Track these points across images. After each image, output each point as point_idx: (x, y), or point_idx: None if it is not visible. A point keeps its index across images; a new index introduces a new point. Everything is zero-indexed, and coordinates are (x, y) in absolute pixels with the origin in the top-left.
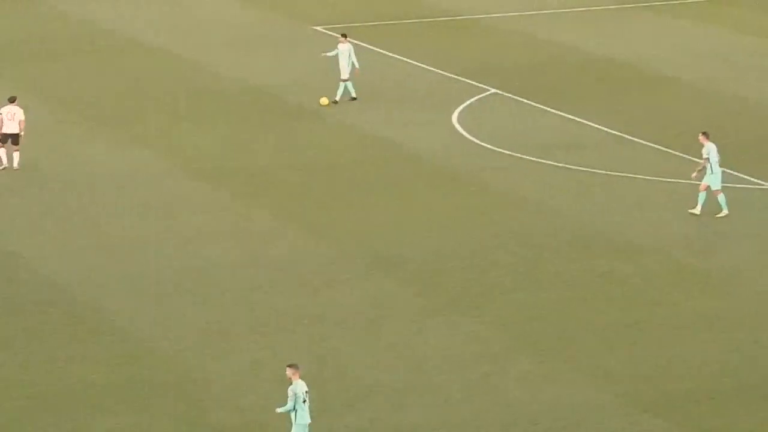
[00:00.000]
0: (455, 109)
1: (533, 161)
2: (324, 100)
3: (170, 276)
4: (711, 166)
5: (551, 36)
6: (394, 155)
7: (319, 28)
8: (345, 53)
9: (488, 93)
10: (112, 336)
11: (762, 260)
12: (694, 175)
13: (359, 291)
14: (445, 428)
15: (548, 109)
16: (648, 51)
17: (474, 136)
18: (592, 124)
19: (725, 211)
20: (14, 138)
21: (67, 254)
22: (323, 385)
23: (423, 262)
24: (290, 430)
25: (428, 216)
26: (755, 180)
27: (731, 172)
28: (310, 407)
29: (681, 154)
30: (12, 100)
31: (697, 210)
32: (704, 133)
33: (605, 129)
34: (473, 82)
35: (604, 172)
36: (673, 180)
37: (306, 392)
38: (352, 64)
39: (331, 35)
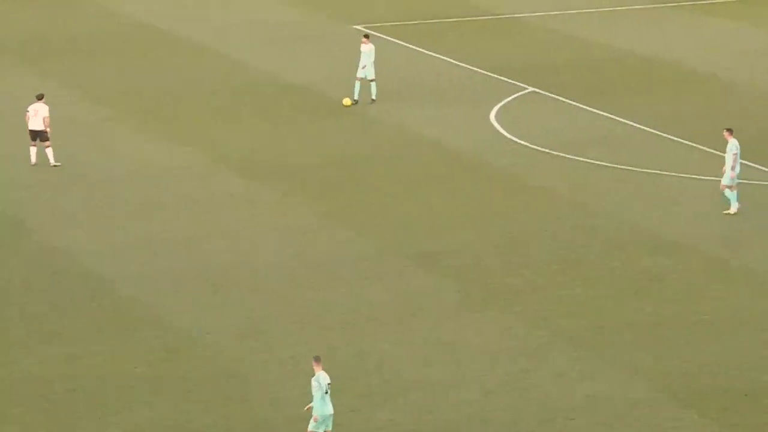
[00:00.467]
0: (493, 106)
1: (570, 159)
2: (347, 101)
3: (211, 271)
4: (732, 163)
5: (589, 35)
6: (433, 152)
7: (359, 26)
8: (367, 54)
9: (526, 91)
10: (154, 330)
11: None
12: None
13: (398, 286)
14: (482, 423)
15: (585, 107)
16: (684, 49)
17: (512, 134)
18: (629, 122)
19: (734, 208)
20: (41, 135)
21: (110, 249)
22: (362, 380)
23: (461, 258)
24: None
25: (466, 212)
26: None
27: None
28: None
29: (716, 152)
30: (40, 98)
31: (733, 209)
32: (728, 129)
33: (642, 127)
34: (511, 80)
35: (640, 169)
36: (709, 177)
37: (328, 384)
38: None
39: (371, 34)
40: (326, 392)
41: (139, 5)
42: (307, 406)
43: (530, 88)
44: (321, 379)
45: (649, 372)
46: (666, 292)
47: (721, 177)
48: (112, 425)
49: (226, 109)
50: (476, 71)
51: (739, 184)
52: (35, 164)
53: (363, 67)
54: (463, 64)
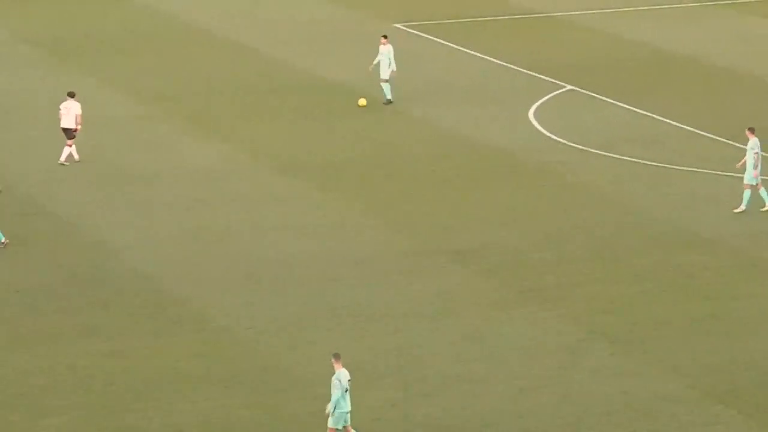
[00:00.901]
0: (532, 105)
1: (608, 156)
2: (362, 101)
3: (251, 267)
4: (755, 162)
5: (627, 33)
6: (472, 150)
7: (399, 25)
8: (386, 55)
9: (564, 89)
10: (195, 325)
11: None
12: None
13: (435, 282)
14: (520, 418)
15: (623, 105)
16: (721, 47)
17: (550, 132)
18: (666, 120)
19: (744, 207)
20: (68, 132)
21: (152, 245)
22: (400, 375)
23: (499, 255)
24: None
25: (504, 209)
26: None
27: None
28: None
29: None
30: (71, 95)
31: (741, 208)
32: (750, 129)
33: (679, 125)
34: (550, 79)
35: (677, 167)
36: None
37: (348, 381)
38: (390, 65)
39: (411, 32)
40: (346, 390)
41: (182, 5)
42: (328, 410)
43: (568, 87)
44: (342, 377)
45: (684, 368)
46: (702, 289)
47: (743, 173)
48: (153, 419)
49: (264, 107)
50: (515, 69)
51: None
52: (67, 162)
53: (388, 67)
54: (502, 63)
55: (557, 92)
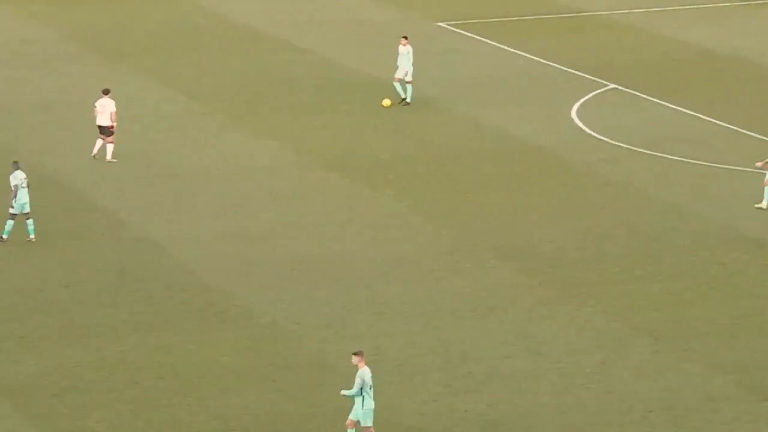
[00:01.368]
0: (574, 103)
1: (650, 155)
2: (387, 102)
3: (296, 262)
4: None
5: (670, 31)
6: (514, 147)
7: (442, 24)
8: (405, 55)
9: (607, 88)
10: (241, 320)
11: None
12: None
13: (479, 280)
14: (562, 414)
15: (666, 103)
16: (764, 46)
17: (592, 130)
18: (709, 119)
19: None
20: (106, 130)
21: (199, 241)
22: (443, 370)
23: (542, 252)
24: (354, 413)
25: (547, 207)
26: None
27: None
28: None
29: None
30: (106, 92)
31: (764, 204)
32: None
33: (722, 123)
34: (592, 78)
35: (720, 165)
36: None
37: (371, 378)
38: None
39: (453, 31)
40: (370, 387)
41: (234, 5)
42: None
43: (611, 85)
44: (365, 375)
45: (726, 366)
46: (745, 287)
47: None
48: (200, 413)
49: (311, 104)
50: (557, 68)
51: None
52: (94, 156)
53: (404, 70)
54: (545, 61)
55: (600, 90)
